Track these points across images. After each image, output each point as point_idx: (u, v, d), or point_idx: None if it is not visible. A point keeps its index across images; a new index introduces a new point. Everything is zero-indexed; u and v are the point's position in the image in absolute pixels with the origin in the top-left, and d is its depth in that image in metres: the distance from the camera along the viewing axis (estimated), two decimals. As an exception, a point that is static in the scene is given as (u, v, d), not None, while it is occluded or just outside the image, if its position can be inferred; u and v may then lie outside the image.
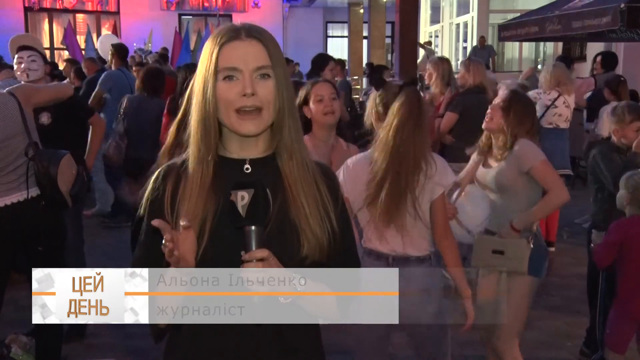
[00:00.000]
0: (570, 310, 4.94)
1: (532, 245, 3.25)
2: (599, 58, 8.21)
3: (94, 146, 4.67)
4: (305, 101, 3.32)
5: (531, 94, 6.63)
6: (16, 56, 4.46)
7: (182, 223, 1.44)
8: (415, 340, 3.02)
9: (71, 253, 4.15)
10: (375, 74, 7.20)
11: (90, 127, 4.65)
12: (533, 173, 3.23)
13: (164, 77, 6.59)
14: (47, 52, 18.88)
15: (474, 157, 3.55)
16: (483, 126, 3.40)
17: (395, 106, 2.78)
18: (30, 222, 3.49)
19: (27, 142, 3.42)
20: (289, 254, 1.53)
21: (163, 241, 1.42)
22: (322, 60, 5.84)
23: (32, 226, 3.49)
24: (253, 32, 1.54)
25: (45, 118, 4.36)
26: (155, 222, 1.44)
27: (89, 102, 7.35)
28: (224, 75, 1.52)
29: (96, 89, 7.40)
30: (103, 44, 10.18)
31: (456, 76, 6.17)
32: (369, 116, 3.03)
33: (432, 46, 17.95)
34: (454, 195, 3.44)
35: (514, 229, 3.25)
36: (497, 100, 3.38)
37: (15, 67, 4.49)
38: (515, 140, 3.26)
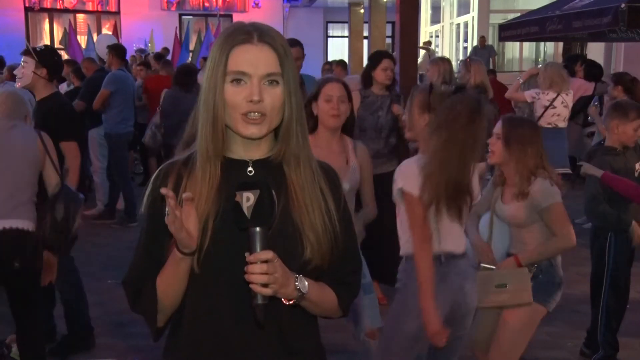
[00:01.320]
0: (571, 310, 4.93)
1: (536, 269, 3.18)
2: (582, 68, 8.25)
3: (73, 175, 4.15)
4: (315, 97, 3.31)
5: (529, 93, 6.65)
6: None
7: (184, 196, 1.44)
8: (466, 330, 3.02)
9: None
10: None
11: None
12: (543, 215, 3.15)
13: (196, 73, 7.53)
14: (48, 52, 18.90)
15: (489, 187, 3.44)
16: (488, 162, 3.32)
17: (452, 114, 2.74)
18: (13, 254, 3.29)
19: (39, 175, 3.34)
20: (292, 256, 1.53)
21: (167, 210, 1.41)
22: (376, 57, 5.21)
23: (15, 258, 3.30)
24: (265, 37, 1.52)
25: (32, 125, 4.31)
26: (164, 190, 1.43)
27: (94, 103, 7.38)
28: (232, 78, 1.51)
29: (101, 90, 7.40)
30: (100, 44, 10.18)
31: (456, 76, 6.17)
32: (407, 117, 3.01)
33: (432, 46, 17.94)
34: (481, 225, 3.40)
35: (517, 261, 3.18)
36: (494, 132, 3.25)
37: None
38: (530, 177, 3.14)
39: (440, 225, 2.78)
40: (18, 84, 4.44)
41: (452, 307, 2.85)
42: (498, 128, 3.23)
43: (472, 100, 2.78)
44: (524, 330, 3.23)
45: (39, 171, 3.41)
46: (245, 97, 1.50)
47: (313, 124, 3.26)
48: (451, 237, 2.84)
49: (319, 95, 3.28)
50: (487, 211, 3.40)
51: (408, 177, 2.78)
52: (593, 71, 8.22)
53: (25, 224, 3.22)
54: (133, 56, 13.08)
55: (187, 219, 1.45)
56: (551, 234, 3.16)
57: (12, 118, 3.37)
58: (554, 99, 6.38)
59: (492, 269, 3.24)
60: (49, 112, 4.27)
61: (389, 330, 3.03)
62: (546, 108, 6.36)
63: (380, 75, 4.99)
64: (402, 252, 2.92)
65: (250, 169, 1.58)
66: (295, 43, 5.19)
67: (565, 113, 6.51)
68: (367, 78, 5.05)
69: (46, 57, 4.36)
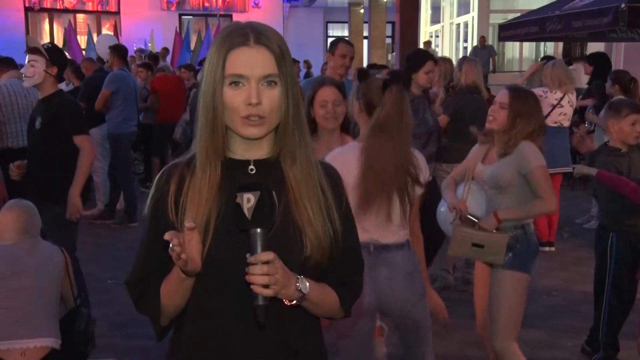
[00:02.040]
0: (571, 310, 4.94)
1: (511, 239, 3.26)
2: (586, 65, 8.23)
3: (80, 174, 4.33)
4: (311, 100, 3.31)
5: (536, 91, 6.65)
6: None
7: (186, 224, 1.44)
8: (402, 328, 3.04)
9: None
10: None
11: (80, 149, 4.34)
12: (529, 176, 3.24)
13: None
14: (47, 52, 18.92)
15: (474, 149, 3.56)
16: (486, 126, 3.38)
17: (381, 103, 2.82)
18: None
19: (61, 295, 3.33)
20: (292, 256, 1.53)
21: (171, 246, 1.42)
22: (419, 58, 4.93)
23: None
24: (262, 39, 1.52)
25: (37, 123, 4.32)
26: (168, 236, 1.42)
27: (95, 103, 7.39)
28: (230, 81, 1.51)
29: (103, 90, 7.41)
30: (100, 44, 10.18)
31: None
32: (350, 108, 3.07)
33: (432, 46, 17.94)
34: (460, 191, 3.46)
35: (497, 218, 3.26)
36: (498, 100, 3.35)
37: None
38: (518, 141, 3.25)
39: (369, 214, 2.82)
40: (27, 83, 4.41)
41: (380, 299, 2.87)
42: (503, 97, 3.31)
43: (397, 87, 2.86)
44: (514, 300, 3.30)
45: (59, 287, 3.38)
46: (244, 100, 1.50)
47: (313, 126, 3.26)
48: (380, 226, 2.87)
49: (314, 99, 3.29)
50: (464, 179, 3.49)
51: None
52: (599, 68, 8.08)
53: (54, 342, 3.19)
54: (132, 56, 13.08)
55: (189, 245, 1.45)
56: (536, 196, 3.25)
57: (30, 234, 3.31)
58: (562, 98, 6.40)
59: (474, 221, 3.33)
60: (59, 108, 4.31)
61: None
62: (554, 107, 6.39)
63: (423, 78, 4.79)
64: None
65: (251, 167, 1.58)
66: (348, 43, 5.17)
67: (571, 112, 6.56)
68: (406, 80, 4.77)
69: (57, 56, 4.39)
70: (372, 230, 2.84)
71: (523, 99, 3.30)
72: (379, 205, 2.83)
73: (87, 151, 4.36)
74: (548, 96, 6.38)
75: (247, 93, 1.50)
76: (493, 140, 3.38)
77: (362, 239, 2.77)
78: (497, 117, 3.30)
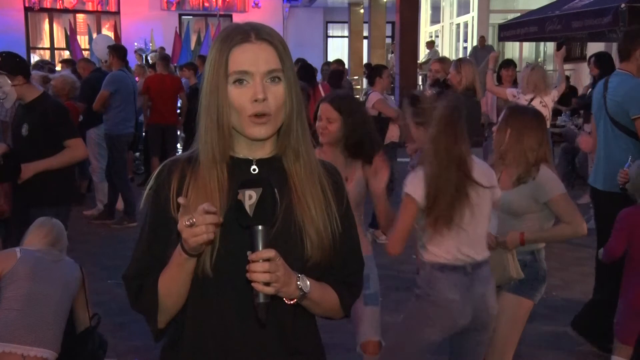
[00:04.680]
0: (571, 310, 4.93)
1: (520, 264, 3.19)
2: (592, 59, 8.20)
3: (54, 160, 4.13)
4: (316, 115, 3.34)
5: (510, 91, 6.73)
6: None
7: (207, 208, 1.42)
8: (476, 343, 3.03)
9: None
10: (374, 73, 7.10)
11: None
12: (551, 205, 3.17)
13: None
14: (47, 53, 18.96)
15: None
16: (495, 151, 3.31)
17: (435, 117, 2.83)
18: None
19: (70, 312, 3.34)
20: (294, 255, 1.53)
21: (186, 222, 1.40)
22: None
23: None
24: (263, 34, 1.52)
25: (24, 129, 4.15)
26: (181, 200, 1.42)
27: (94, 104, 7.38)
28: (235, 79, 1.50)
29: (101, 90, 7.40)
30: (97, 44, 10.14)
31: (448, 76, 6.19)
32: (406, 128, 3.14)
33: (434, 46, 17.96)
34: None
35: (521, 239, 3.17)
36: (499, 119, 3.32)
37: None
38: (534, 166, 3.17)
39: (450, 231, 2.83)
40: (7, 104, 4.29)
41: (475, 314, 2.88)
42: (502, 115, 3.32)
43: (449, 103, 2.86)
44: (513, 325, 3.26)
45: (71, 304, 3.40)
46: (250, 98, 1.49)
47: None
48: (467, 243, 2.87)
49: (318, 112, 3.34)
50: None
51: (413, 184, 2.86)
52: (604, 61, 8.05)
53: (52, 355, 3.19)
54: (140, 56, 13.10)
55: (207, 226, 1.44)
56: (562, 222, 3.20)
57: (56, 248, 3.40)
58: (532, 100, 6.45)
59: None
60: (46, 112, 4.15)
61: (400, 336, 3.03)
62: None
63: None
64: (425, 259, 2.92)
65: (254, 167, 1.57)
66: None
67: (545, 113, 6.60)
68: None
69: (12, 64, 4.16)
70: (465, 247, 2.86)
71: (517, 114, 3.26)
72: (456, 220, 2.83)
73: (78, 151, 4.23)
74: (520, 97, 6.46)
75: (252, 90, 1.49)
76: (504, 163, 3.28)
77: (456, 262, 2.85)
78: (497, 137, 3.26)
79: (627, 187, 3.70)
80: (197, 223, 1.40)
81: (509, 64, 8.24)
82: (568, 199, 3.22)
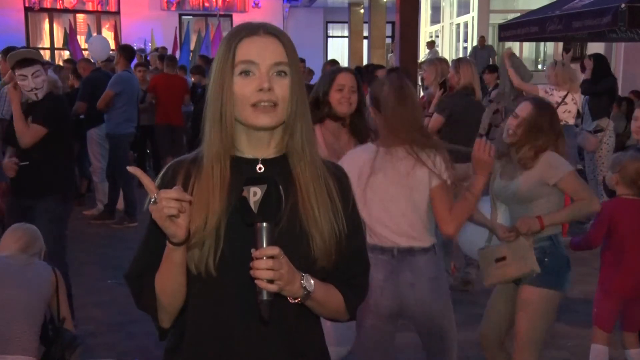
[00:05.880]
0: (571, 310, 4.93)
1: (538, 252, 3.13)
2: (590, 64, 8.17)
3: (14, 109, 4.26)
4: (329, 87, 3.32)
5: (542, 87, 6.87)
6: (17, 73, 4.25)
7: (187, 198, 1.43)
8: (424, 335, 2.98)
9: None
10: (365, 76, 6.98)
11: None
12: (562, 185, 3.14)
13: None
14: (47, 53, 18.93)
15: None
16: (507, 141, 3.25)
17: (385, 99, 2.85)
18: None
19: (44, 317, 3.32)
20: (298, 255, 1.52)
21: (151, 198, 1.42)
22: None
23: None
24: (271, 29, 1.54)
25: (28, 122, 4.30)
26: (131, 169, 1.45)
27: (98, 103, 7.39)
28: (241, 70, 1.51)
29: (107, 90, 7.41)
30: (93, 45, 10.12)
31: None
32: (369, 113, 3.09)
33: (434, 46, 17.95)
34: (485, 211, 3.36)
35: (541, 223, 3.09)
36: (518, 113, 3.23)
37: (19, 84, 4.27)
38: (541, 152, 3.16)
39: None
40: (34, 97, 4.33)
41: (402, 302, 2.85)
42: (523, 110, 3.22)
43: (395, 81, 2.89)
44: (538, 319, 3.16)
45: (47, 307, 3.39)
46: (255, 87, 1.50)
47: (322, 114, 3.28)
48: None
49: (332, 83, 3.31)
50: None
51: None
52: (601, 67, 8.03)
53: None
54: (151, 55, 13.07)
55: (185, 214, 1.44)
56: (575, 200, 3.17)
57: (27, 254, 3.39)
58: (565, 96, 6.57)
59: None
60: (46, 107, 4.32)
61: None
62: (558, 105, 6.53)
63: None
64: (428, 243, 2.87)
65: (260, 165, 1.57)
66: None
67: (575, 110, 6.72)
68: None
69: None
70: (393, 233, 2.83)
71: (542, 112, 3.22)
72: (393, 199, 2.81)
73: (30, 132, 4.26)
74: (553, 94, 6.54)
75: (257, 81, 1.50)
76: (510, 154, 3.26)
77: (386, 244, 2.82)
78: (516, 131, 3.19)
79: (608, 181, 3.77)
80: (158, 199, 1.41)
81: (494, 69, 8.43)
82: (578, 176, 3.22)
